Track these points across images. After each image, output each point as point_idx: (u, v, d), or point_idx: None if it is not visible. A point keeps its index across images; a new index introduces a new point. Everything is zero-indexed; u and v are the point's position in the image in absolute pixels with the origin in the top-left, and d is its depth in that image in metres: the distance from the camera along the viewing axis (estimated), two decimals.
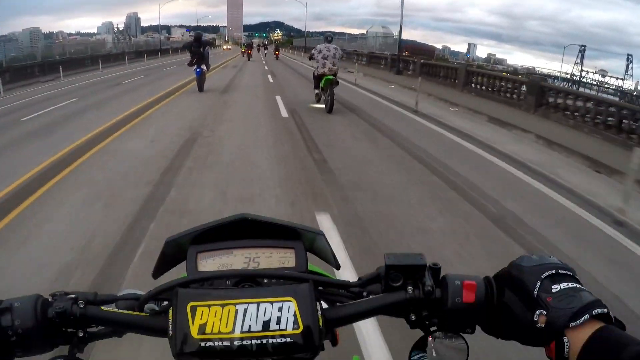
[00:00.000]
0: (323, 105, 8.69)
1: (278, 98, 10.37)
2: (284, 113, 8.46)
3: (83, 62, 24.11)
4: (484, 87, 11.78)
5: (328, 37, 8.99)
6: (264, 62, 28.54)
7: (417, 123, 8.00)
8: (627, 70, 53.04)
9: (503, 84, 11.05)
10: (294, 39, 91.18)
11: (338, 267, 0.59)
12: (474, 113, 9.25)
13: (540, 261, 0.48)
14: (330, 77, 8.20)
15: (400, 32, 19.12)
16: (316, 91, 8.97)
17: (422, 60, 16.53)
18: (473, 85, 12.32)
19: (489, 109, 9.42)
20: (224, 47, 51.77)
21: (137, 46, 40.48)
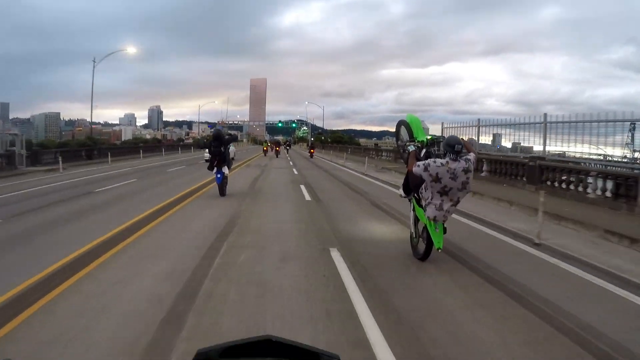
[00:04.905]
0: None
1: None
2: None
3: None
4: None
5: (455, 145, 4.46)
6: (292, 165, 23.95)
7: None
8: None
9: None
10: (322, 136, 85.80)
11: None
12: None
13: None
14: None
15: None
16: (411, 228, 5.32)
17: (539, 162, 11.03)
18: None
19: None
20: (264, 145, 42.12)
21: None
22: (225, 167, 10.00)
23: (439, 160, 4.51)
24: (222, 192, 10.15)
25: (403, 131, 5.72)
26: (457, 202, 4.65)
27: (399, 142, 5.96)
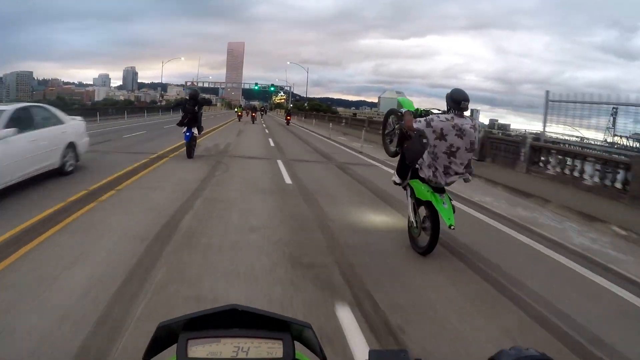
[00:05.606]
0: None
1: None
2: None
3: None
4: None
5: (461, 101, 3.95)
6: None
7: None
8: None
9: None
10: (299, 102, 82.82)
11: (324, 358, 0.62)
12: None
13: (517, 355, 0.50)
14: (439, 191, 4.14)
15: None
16: (411, 217, 4.50)
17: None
18: None
19: None
20: (237, 110, 39.60)
21: None
22: (196, 128, 9.97)
23: (442, 115, 4.03)
24: (190, 154, 9.95)
25: (393, 119, 5.28)
26: (468, 165, 4.08)
27: (386, 130, 5.35)
